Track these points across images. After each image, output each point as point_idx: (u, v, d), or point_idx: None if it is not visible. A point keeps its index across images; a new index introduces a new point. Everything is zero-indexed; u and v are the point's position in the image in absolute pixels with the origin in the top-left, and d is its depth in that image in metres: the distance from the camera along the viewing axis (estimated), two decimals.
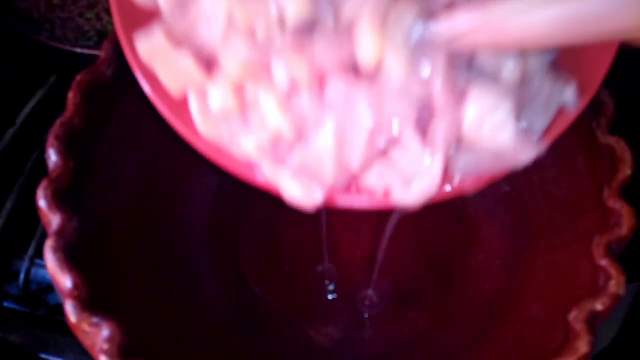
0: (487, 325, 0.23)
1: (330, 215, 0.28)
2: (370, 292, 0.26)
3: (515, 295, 0.23)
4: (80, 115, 0.21)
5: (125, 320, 0.17)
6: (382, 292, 0.26)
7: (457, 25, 0.14)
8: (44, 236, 0.30)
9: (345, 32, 0.15)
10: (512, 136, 0.15)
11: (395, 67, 0.14)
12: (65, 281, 0.17)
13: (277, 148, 0.16)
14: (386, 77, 0.15)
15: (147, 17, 0.17)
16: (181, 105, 0.17)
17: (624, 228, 0.18)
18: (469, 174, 0.16)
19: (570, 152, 0.23)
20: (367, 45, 0.14)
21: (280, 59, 0.15)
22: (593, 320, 0.16)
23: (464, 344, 0.23)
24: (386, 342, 0.25)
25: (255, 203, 0.29)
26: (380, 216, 0.28)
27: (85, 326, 0.17)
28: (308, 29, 0.15)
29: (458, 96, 0.15)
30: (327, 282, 0.27)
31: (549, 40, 0.13)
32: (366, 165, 0.16)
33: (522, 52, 0.15)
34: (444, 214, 0.28)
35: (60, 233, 0.18)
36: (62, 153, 0.20)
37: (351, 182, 0.16)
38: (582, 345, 0.16)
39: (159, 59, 0.16)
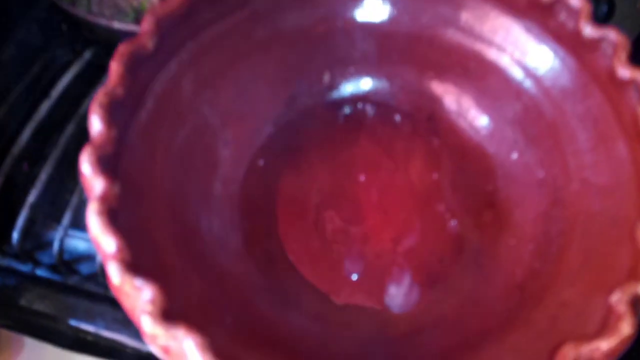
0: (518, 309, 0.22)
1: (360, 197, 0.28)
2: (397, 273, 0.26)
3: (549, 280, 0.23)
4: (122, 85, 0.21)
5: (164, 287, 0.17)
6: (409, 274, 0.26)
7: None
8: (78, 207, 0.31)
9: None
10: None
11: None
12: (109, 243, 0.17)
13: None
14: None
15: None
16: None
17: None
18: None
19: (611, 136, 0.23)
20: None
21: None
22: (636, 304, 0.16)
23: (493, 327, 0.22)
24: (412, 323, 0.25)
25: (287, 183, 0.29)
26: (411, 199, 0.28)
27: (127, 288, 0.17)
28: None
29: None
30: (354, 262, 0.27)
31: None
32: None
33: None
34: (474, 199, 0.28)
35: (103, 198, 0.18)
36: (105, 121, 0.20)
37: None
38: (626, 327, 0.16)
39: None
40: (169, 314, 0.17)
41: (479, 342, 0.22)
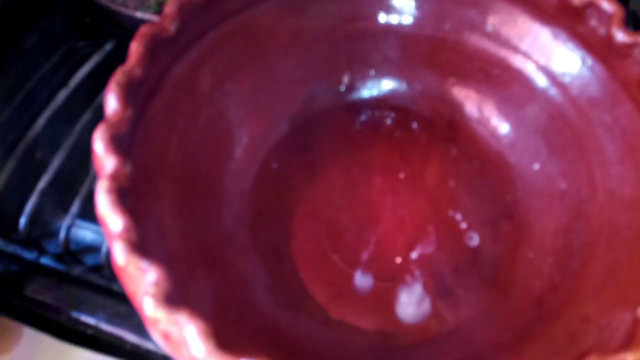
0: (536, 323, 0.21)
1: (375, 201, 0.28)
2: (409, 281, 0.25)
3: (569, 294, 0.22)
4: (142, 66, 0.21)
5: (169, 274, 0.17)
6: (422, 282, 0.25)
7: None
8: (87, 197, 0.31)
9: None
10: None
11: None
12: (116, 222, 0.17)
13: None
14: None
15: None
16: None
17: None
18: None
19: (639, 148, 0.22)
20: None
21: None
22: None
23: (509, 340, 0.21)
24: (422, 333, 0.24)
25: (300, 183, 0.28)
26: (426, 206, 0.28)
27: (132, 269, 0.16)
28: None
29: None
30: (366, 268, 0.26)
31: None
32: None
33: None
34: (492, 209, 0.27)
35: (114, 176, 0.18)
36: (122, 100, 0.19)
37: None
38: None
39: None
40: (172, 300, 0.16)
41: (493, 356, 0.21)
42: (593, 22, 0.23)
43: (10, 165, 0.31)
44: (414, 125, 0.30)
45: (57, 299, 0.30)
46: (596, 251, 0.22)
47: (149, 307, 0.16)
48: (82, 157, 0.32)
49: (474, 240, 0.26)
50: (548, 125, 0.26)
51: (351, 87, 0.30)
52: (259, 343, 0.20)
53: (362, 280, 0.25)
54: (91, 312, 0.29)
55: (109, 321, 0.28)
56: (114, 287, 0.29)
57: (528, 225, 0.26)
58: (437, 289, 0.25)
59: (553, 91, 0.26)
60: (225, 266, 0.24)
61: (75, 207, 0.30)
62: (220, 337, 0.15)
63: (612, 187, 0.23)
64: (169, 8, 0.22)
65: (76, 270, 0.30)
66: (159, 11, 0.33)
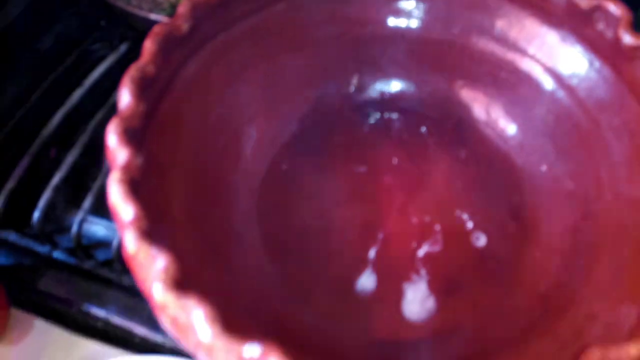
0: (541, 320, 0.21)
1: (383, 200, 0.28)
2: (415, 279, 0.26)
3: (575, 292, 0.22)
4: (155, 63, 0.21)
5: (179, 261, 0.17)
6: (428, 280, 0.25)
7: None
8: (100, 194, 0.31)
9: None
10: None
11: None
12: (127, 211, 0.17)
13: None
14: None
15: None
16: None
17: None
18: None
19: None
20: None
21: None
22: None
23: (514, 337, 0.21)
24: (428, 329, 0.24)
25: (308, 181, 0.28)
26: (433, 205, 0.28)
27: (142, 256, 0.17)
28: None
29: None
30: (373, 265, 0.26)
31: None
32: None
33: None
34: (499, 210, 0.27)
35: (126, 168, 0.18)
36: (135, 95, 0.20)
37: None
38: None
39: None
40: (180, 286, 0.16)
41: (497, 352, 0.21)
42: (600, 25, 0.23)
43: (25, 162, 0.32)
44: (423, 127, 0.30)
45: (69, 292, 0.30)
46: (603, 250, 0.22)
47: (158, 292, 0.16)
48: (95, 155, 0.33)
49: (481, 240, 0.26)
50: (555, 127, 0.26)
51: (360, 89, 0.31)
52: (264, 332, 0.21)
53: (368, 277, 0.25)
54: (102, 305, 0.29)
55: (120, 314, 0.29)
56: (125, 281, 0.30)
57: (535, 225, 0.26)
58: (442, 287, 0.25)
59: (560, 93, 0.26)
60: (232, 260, 0.24)
61: (87, 203, 0.31)
62: (227, 322, 0.15)
63: (619, 187, 0.23)
64: (182, 8, 0.23)
65: (88, 265, 0.31)
66: (172, 13, 0.34)
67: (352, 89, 0.31)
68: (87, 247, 0.31)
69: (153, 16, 0.31)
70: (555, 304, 0.22)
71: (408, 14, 0.30)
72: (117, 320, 0.29)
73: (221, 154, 0.26)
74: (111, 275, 0.30)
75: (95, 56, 0.38)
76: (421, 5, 0.29)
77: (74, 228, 0.30)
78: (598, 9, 0.23)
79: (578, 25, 0.24)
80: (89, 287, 0.30)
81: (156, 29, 0.22)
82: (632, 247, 0.21)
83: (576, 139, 0.25)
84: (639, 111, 0.23)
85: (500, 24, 0.27)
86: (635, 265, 0.20)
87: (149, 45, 0.21)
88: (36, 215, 0.30)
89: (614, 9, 0.22)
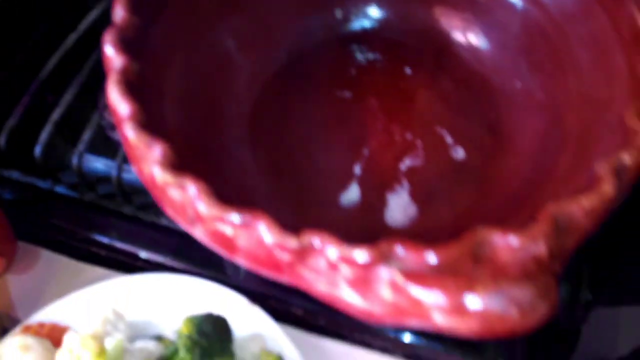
0: (512, 215, 0.23)
1: (368, 120, 0.29)
2: (397, 189, 0.27)
3: (541, 189, 0.23)
4: None
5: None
6: (410, 189, 0.27)
7: None
8: (97, 130, 0.33)
9: None
10: None
11: None
12: (125, 107, 0.19)
13: None
14: None
15: None
16: None
17: None
18: None
19: (610, 53, 0.24)
20: None
21: None
22: (620, 172, 0.17)
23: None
24: (409, 233, 0.26)
25: (297, 105, 0.30)
26: (415, 124, 0.29)
27: (141, 146, 0.18)
28: None
29: None
30: (358, 178, 0.28)
31: None
32: None
33: None
34: (476, 125, 0.29)
35: (123, 71, 0.20)
36: (128, 8, 0.21)
37: None
38: (607, 187, 0.16)
39: None
40: (177, 169, 0.18)
41: None
42: None
43: (25, 102, 0.33)
44: (404, 54, 0.32)
45: (73, 223, 0.32)
46: (567, 147, 0.23)
47: (158, 174, 0.18)
48: (91, 94, 0.34)
49: (459, 153, 0.28)
50: (528, 44, 0.28)
51: (344, 20, 0.32)
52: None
53: (353, 189, 0.27)
54: (105, 233, 0.31)
55: (122, 239, 0.31)
56: (125, 210, 0.31)
57: (510, 137, 0.27)
58: (423, 195, 0.27)
59: (533, 11, 0.28)
60: (228, 179, 0.26)
61: (86, 137, 0.32)
62: (222, 194, 0.17)
63: (584, 89, 0.24)
64: None
65: (89, 197, 0.32)
66: None
67: (336, 21, 0.32)
68: (88, 179, 0.32)
69: None
70: (522, 201, 0.23)
71: None
72: (120, 245, 0.31)
73: (212, 79, 0.28)
74: (112, 205, 0.32)
75: (89, 3, 0.39)
76: None
77: (75, 160, 0.31)
78: None
79: None
80: (92, 217, 0.32)
81: None
82: (593, 142, 0.22)
83: (547, 52, 0.27)
84: (605, 20, 0.24)
85: None
86: (595, 157, 0.22)
87: None
88: (38, 149, 0.32)
89: None
